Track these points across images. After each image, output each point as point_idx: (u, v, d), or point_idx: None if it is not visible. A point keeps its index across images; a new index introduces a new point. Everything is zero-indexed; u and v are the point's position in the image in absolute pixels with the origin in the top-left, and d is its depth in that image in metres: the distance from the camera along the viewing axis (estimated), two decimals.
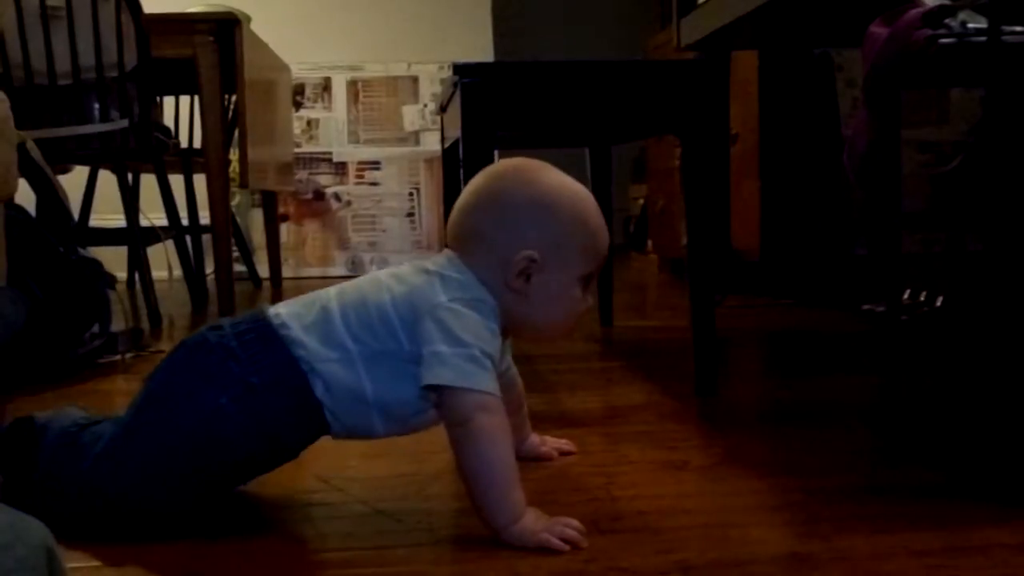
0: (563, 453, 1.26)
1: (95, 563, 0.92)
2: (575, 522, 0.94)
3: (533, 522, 0.94)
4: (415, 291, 1.01)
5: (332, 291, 1.06)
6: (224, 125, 2.95)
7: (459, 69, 1.58)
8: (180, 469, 0.98)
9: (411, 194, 4.46)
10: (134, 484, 0.98)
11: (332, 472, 1.20)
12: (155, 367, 1.05)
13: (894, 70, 1.48)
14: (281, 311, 1.03)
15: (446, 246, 1.09)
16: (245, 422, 0.98)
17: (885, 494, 1.10)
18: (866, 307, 2.38)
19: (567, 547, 0.92)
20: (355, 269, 4.35)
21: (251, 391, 0.98)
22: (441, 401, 0.98)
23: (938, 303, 2.11)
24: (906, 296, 2.17)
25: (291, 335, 1.00)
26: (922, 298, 2.15)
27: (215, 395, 0.98)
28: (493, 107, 1.58)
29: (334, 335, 1.00)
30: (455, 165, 2.22)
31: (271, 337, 1.00)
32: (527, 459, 1.22)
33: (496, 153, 1.62)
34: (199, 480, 0.99)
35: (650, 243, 4.39)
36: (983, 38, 1.40)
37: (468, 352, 0.97)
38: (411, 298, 1.01)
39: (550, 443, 1.26)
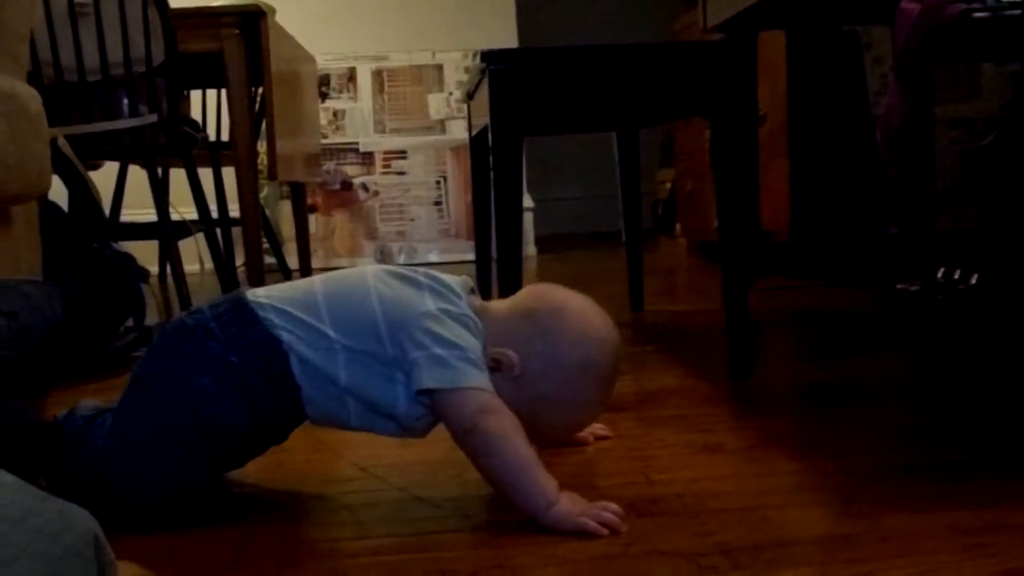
0: (599, 438, 1.26)
1: (135, 552, 0.93)
2: (613, 505, 0.94)
3: (571, 506, 0.94)
4: (404, 297, 1.02)
5: (316, 279, 1.07)
6: (252, 118, 2.96)
7: (487, 56, 1.58)
8: (171, 452, 0.98)
9: (438, 182, 4.47)
10: (134, 472, 0.98)
11: (369, 460, 1.20)
12: (140, 357, 1.06)
13: (927, 45, 1.47)
14: (260, 293, 1.04)
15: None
16: (228, 401, 0.98)
17: (923, 473, 1.09)
18: (899, 286, 2.36)
19: (605, 531, 0.92)
20: (384, 259, 4.36)
21: (232, 370, 0.98)
22: (439, 407, 0.98)
23: (973, 281, 2.09)
24: (940, 274, 2.15)
25: (271, 317, 1.01)
26: (956, 276, 2.13)
27: (197, 376, 0.98)
28: (522, 93, 1.57)
29: (316, 321, 1.01)
30: (483, 152, 2.22)
31: (250, 317, 1.01)
32: (563, 444, 1.23)
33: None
34: (192, 463, 0.99)
35: (679, 227, 4.37)
36: (1018, 11, 1.38)
37: (462, 353, 0.98)
38: (399, 304, 1.01)
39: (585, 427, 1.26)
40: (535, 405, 1.06)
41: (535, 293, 1.13)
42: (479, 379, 0.98)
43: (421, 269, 1.08)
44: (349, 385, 1.00)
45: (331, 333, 1.00)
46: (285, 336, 1.00)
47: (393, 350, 0.99)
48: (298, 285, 1.07)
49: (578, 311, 1.10)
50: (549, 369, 1.06)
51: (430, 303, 1.01)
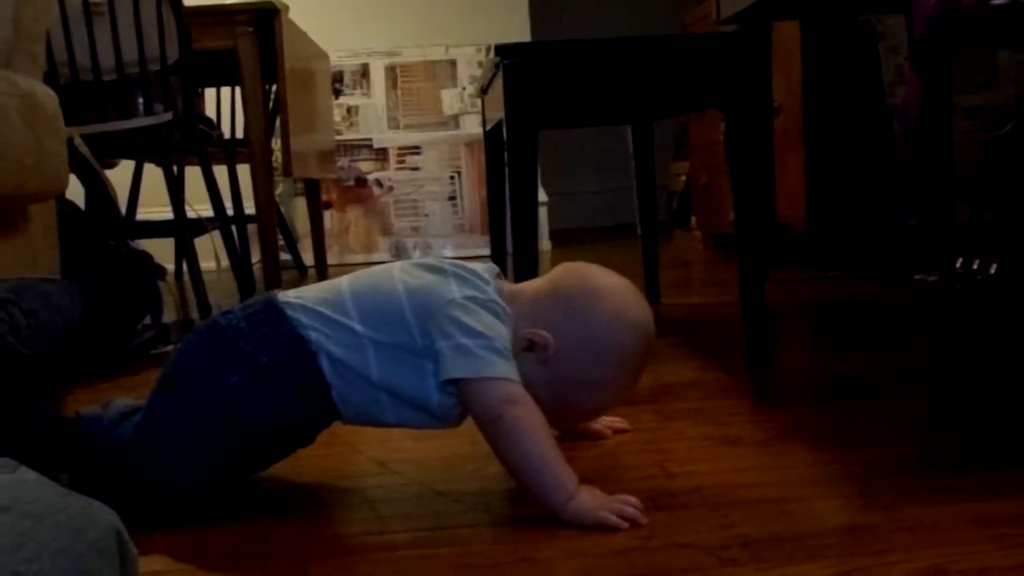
0: (617, 431, 1.26)
1: (158, 549, 0.94)
2: (633, 499, 0.94)
3: (591, 500, 0.94)
4: (430, 286, 1.02)
5: (344, 278, 1.07)
6: (266, 115, 2.96)
7: (501, 50, 1.57)
8: (198, 450, 0.99)
9: (452, 178, 4.46)
10: (158, 467, 0.99)
11: (388, 455, 1.20)
12: (172, 354, 1.06)
13: (945, 33, 1.46)
14: (291, 295, 1.05)
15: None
16: (257, 400, 0.99)
17: (944, 464, 1.08)
18: (917, 277, 2.34)
19: (625, 524, 0.92)
20: (399, 254, 4.36)
21: (261, 370, 0.99)
22: (465, 396, 0.98)
23: (991, 271, 2.08)
24: (958, 265, 2.13)
25: (299, 317, 1.01)
26: (975, 267, 2.11)
27: (226, 374, 0.99)
28: (536, 87, 1.57)
29: (344, 318, 1.01)
30: (497, 147, 2.22)
31: (279, 318, 1.01)
32: (581, 438, 1.22)
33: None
34: (218, 461, 1.00)
35: (694, 219, 4.36)
36: None
37: (488, 343, 0.97)
38: (425, 293, 1.01)
39: (603, 421, 1.26)
40: (561, 386, 1.05)
41: (570, 271, 1.11)
42: (505, 368, 0.97)
43: (447, 259, 1.08)
44: (381, 381, 1.00)
45: (359, 328, 1.00)
46: (313, 335, 1.00)
47: (422, 340, 0.99)
48: (327, 285, 1.07)
49: (614, 291, 1.09)
50: (579, 349, 1.05)
51: (456, 290, 1.01)
